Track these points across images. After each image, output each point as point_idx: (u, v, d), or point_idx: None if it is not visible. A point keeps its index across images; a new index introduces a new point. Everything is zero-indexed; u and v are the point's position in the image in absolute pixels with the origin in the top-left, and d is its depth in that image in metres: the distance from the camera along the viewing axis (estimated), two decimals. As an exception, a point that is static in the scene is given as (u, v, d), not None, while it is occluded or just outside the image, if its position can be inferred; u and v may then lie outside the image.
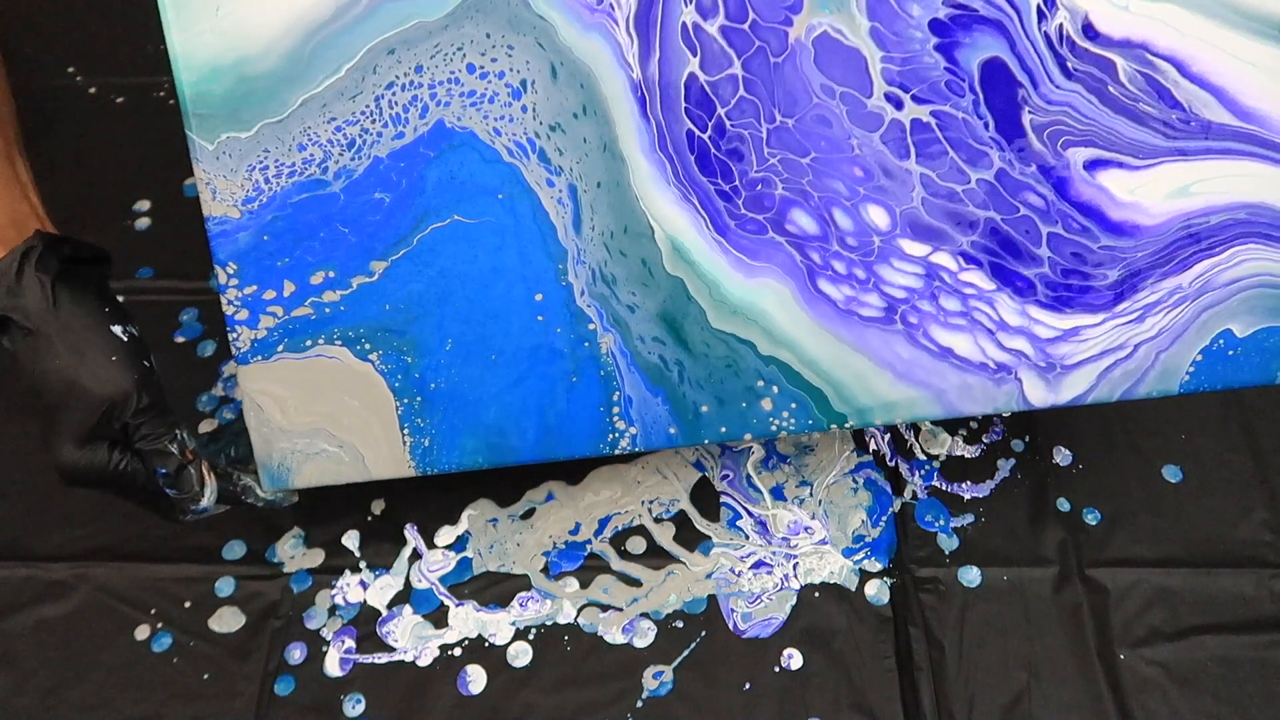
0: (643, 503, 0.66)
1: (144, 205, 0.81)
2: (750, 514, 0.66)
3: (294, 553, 0.64)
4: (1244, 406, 0.69)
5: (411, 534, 0.65)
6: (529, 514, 0.66)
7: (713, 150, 0.52)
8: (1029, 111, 0.51)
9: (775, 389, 0.54)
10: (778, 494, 0.66)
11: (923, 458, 0.68)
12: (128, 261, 0.76)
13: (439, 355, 0.54)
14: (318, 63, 0.51)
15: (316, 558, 0.64)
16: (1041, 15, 0.50)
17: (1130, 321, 0.53)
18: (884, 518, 0.66)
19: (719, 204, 0.52)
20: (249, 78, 0.51)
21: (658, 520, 0.66)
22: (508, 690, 0.59)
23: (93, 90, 0.88)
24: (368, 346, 0.54)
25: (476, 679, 0.60)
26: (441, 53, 0.51)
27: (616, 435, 0.55)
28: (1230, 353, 0.53)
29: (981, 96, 0.51)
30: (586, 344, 0.54)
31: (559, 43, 0.51)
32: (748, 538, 0.65)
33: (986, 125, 0.51)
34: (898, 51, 0.50)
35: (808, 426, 0.55)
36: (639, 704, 0.59)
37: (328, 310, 0.53)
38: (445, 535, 0.65)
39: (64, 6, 0.95)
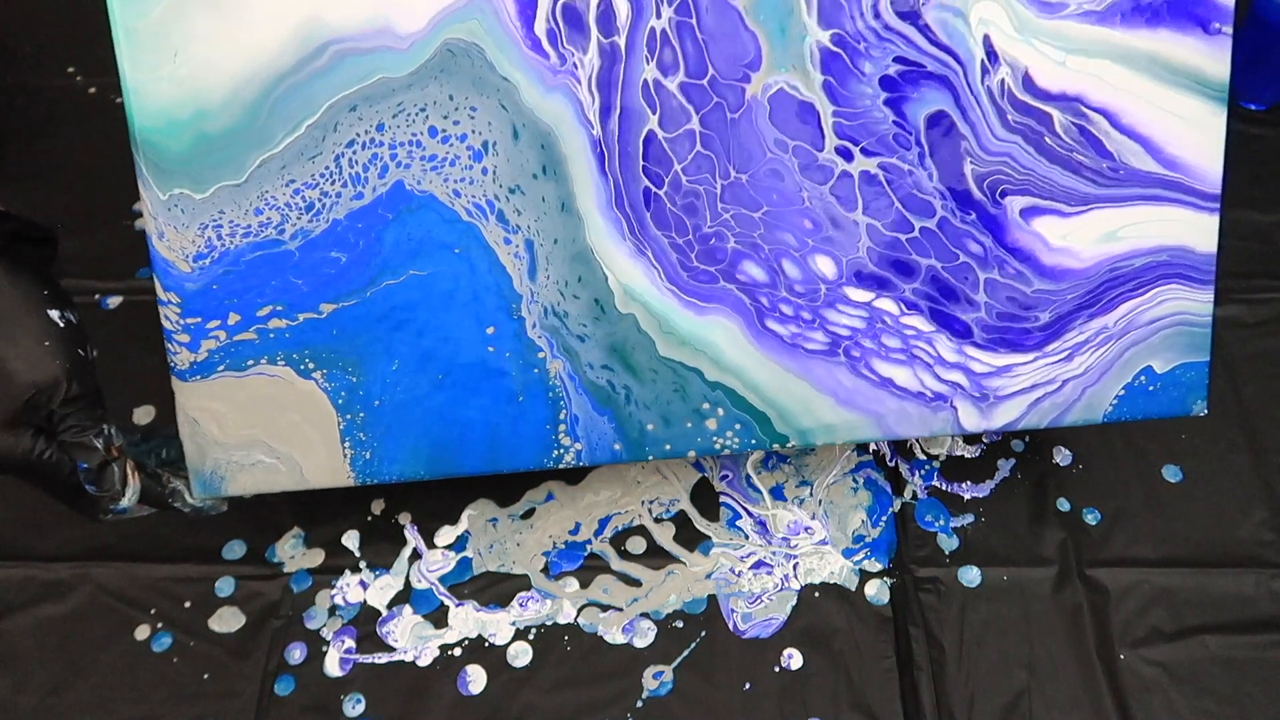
0: (643, 503, 0.66)
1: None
2: (750, 514, 0.66)
3: (294, 553, 0.64)
4: (1244, 406, 0.69)
5: (411, 534, 0.65)
6: (529, 514, 0.66)
7: (668, 205, 0.53)
8: (971, 162, 0.54)
9: (721, 411, 0.56)
10: (777, 494, 0.66)
11: (923, 458, 0.68)
12: (128, 261, 0.76)
13: (385, 374, 0.54)
14: (278, 118, 0.51)
15: (316, 558, 0.64)
16: (985, 70, 0.53)
17: (1059, 360, 0.55)
18: (884, 518, 0.66)
19: (672, 256, 0.54)
20: (208, 135, 0.51)
21: (658, 520, 0.66)
22: (508, 690, 0.59)
23: (93, 90, 0.88)
24: (311, 366, 0.54)
25: (476, 679, 0.60)
26: (404, 112, 0.52)
27: (561, 451, 0.56)
28: (1150, 388, 0.56)
29: (927, 149, 0.53)
30: (536, 370, 0.55)
31: (522, 104, 0.52)
32: (747, 538, 0.65)
33: (931, 176, 0.54)
34: (849, 106, 0.53)
35: (751, 446, 0.57)
36: (639, 704, 0.59)
37: (272, 335, 0.53)
38: (445, 535, 0.65)
39: (64, 6, 0.94)
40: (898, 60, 0.52)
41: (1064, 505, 0.66)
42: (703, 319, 0.54)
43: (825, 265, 0.54)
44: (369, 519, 0.66)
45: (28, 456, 0.47)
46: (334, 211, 0.52)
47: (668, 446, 0.56)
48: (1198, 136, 0.55)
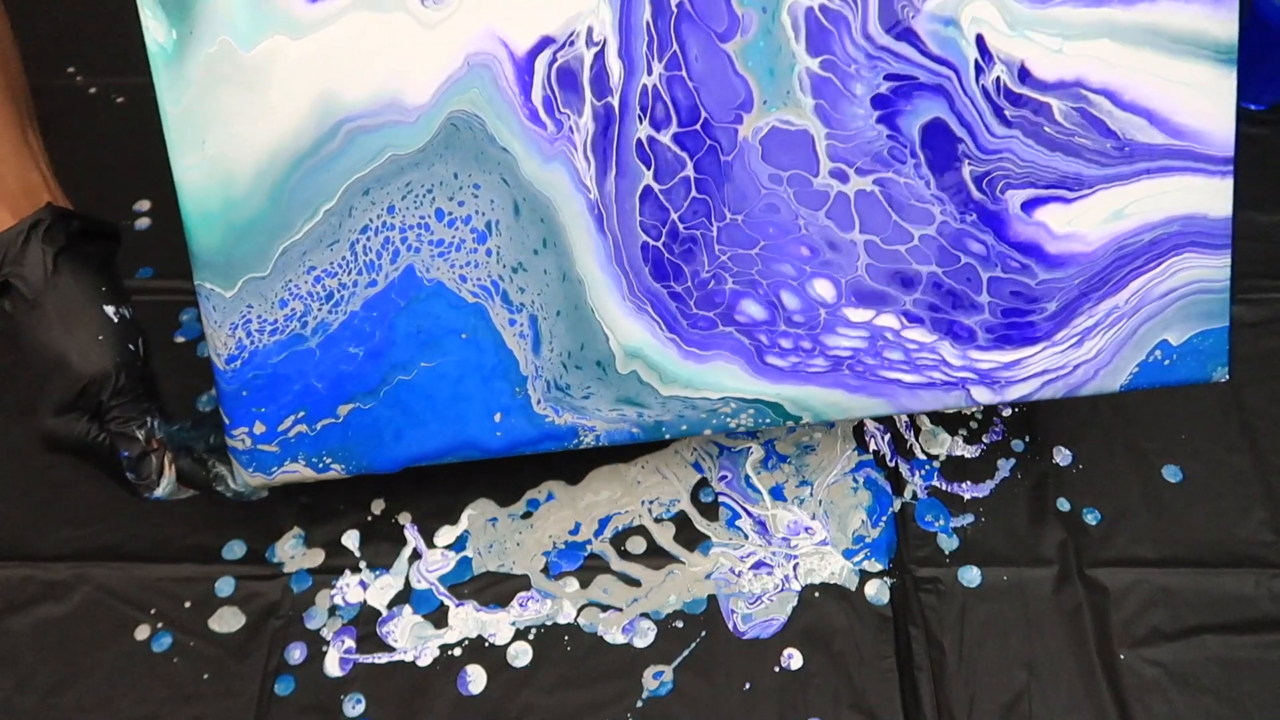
0: (643, 503, 0.66)
1: (144, 205, 0.81)
2: (749, 514, 0.66)
3: (294, 553, 0.64)
4: (1244, 406, 0.69)
5: (411, 534, 0.65)
6: (529, 514, 0.66)
7: (666, 256, 0.54)
8: (969, 164, 0.53)
9: (733, 405, 0.57)
10: (777, 494, 0.66)
11: (923, 458, 0.68)
12: (128, 261, 0.76)
13: (399, 460, 0.57)
14: (297, 204, 0.52)
15: (316, 558, 0.64)
16: (980, 70, 0.52)
17: (1070, 347, 0.55)
18: (884, 518, 0.66)
19: (671, 306, 0.55)
20: (236, 226, 0.52)
21: (658, 520, 0.66)
22: (508, 690, 0.59)
23: (93, 90, 0.88)
24: (329, 461, 0.56)
25: (476, 679, 0.60)
26: (413, 193, 0.53)
27: (580, 440, 0.57)
28: (1166, 361, 0.55)
29: (923, 158, 0.53)
30: (547, 427, 0.57)
31: (521, 177, 0.53)
32: (747, 538, 0.65)
33: (928, 184, 0.54)
34: (841, 129, 0.53)
35: (765, 424, 0.57)
36: (639, 704, 0.59)
37: (293, 441, 0.55)
38: (445, 535, 0.65)
39: (64, 6, 0.95)
40: (889, 77, 0.52)
41: (1064, 505, 0.66)
42: (704, 366, 0.55)
43: (824, 289, 0.55)
44: (369, 519, 0.66)
45: (81, 440, 0.51)
46: (352, 303, 0.54)
47: (684, 427, 0.57)
48: (1206, 102, 0.54)
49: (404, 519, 0.66)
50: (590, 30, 0.52)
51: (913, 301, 0.54)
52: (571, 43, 0.52)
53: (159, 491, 0.54)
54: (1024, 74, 0.53)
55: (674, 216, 0.53)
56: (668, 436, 0.57)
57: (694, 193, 0.53)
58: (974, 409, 0.57)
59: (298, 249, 0.52)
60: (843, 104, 0.53)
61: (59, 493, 0.66)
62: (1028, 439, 0.69)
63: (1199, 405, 0.69)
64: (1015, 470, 0.67)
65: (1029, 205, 0.54)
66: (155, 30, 0.50)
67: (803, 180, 0.53)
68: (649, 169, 0.53)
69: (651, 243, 0.54)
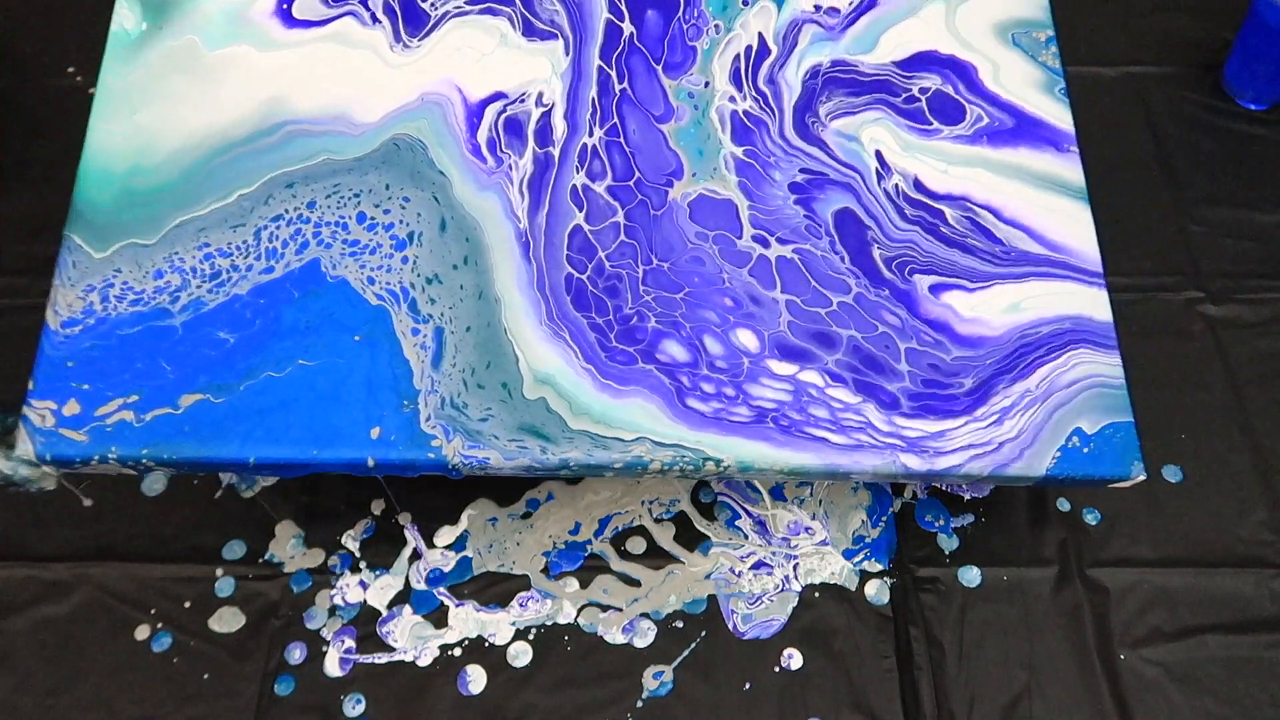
0: (643, 503, 0.66)
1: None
2: (749, 514, 0.66)
3: (294, 553, 0.64)
4: (1244, 406, 0.69)
5: (411, 534, 0.65)
6: (529, 514, 0.66)
7: (590, 289, 0.55)
8: (878, 248, 0.58)
9: (647, 447, 0.54)
10: (777, 494, 0.66)
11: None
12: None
13: (234, 452, 0.51)
14: (211, 184, 0.53)
15: (316, 558, 0.64)
16: (880, 176, 0.60)
17: (992, 424, 0.56)
18: (884, 518, 0.66)
19: (590, 337, 0.55)
20: (135, 191, 0.53)
21: (658, 520, 0.66)
22: (508, 690, 0.59)
23: (93, 90, 0.88)
24: (149, 465, 0.51)
25: (476, 679, 0.60)
26: (339, 194, 0.55)
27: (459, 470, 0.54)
28: (1085, 449, 0.57)
29: (836, 238, 0.58)
30: (430, 455, 0.52)
31: (454, 198, 0.56)
32: (747, 538, 0.65)
33: (843, 259, 0.58)
34: (763, 204, 0.58)
35: (683, 466, 0.54)
36: (639, 704, 0.59)
37: (108, 432, 0.51)
38: (445, 535, 0.65)
39: (64, 6, 0.94)
40: (804, 171, 0.59)
41: (1064, 505, 0.66)
42: (619, 401, 0.54)
43: (747, 339, 0.56)
44: (369, 519, 0.66)
45: None
46: (239, 286, 0.53)
47: (591, 463, 0.53)
48: (1071, 226, 0.61)
49: (404, 519, 0.66)
50: (540, 94, 0.58)
51: (835, 361, 0.56)
52: (522, 100, 0.57)
53: None
54: (918, 185, 0.60)
55: (601, 255, 0.56)
56: (579, 474, 0.54)
57: (623, 237, 0.56)
58: (908, 480, 0.58)
59: (195, 225, 0.53)
60: (764, 185, 0.58)
61: (59, 493, 0.66)
62: (1028, 439, 0.69)
63: (1199, 405, 0.69)
64: (1015, 470, 0.67)
65: (935, 289, 0.58)
66: (126, 19, 0.54)
67: (727, 240, 0.57)
68: (581, 211, 0.56)
69: (576, 275, 0.55)
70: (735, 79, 0.60)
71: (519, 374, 0.53)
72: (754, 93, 0.60)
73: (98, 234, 0.52)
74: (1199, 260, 0.76)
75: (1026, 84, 0.64)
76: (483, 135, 0.56)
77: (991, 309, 0.58)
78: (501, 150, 0.56)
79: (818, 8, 0.63)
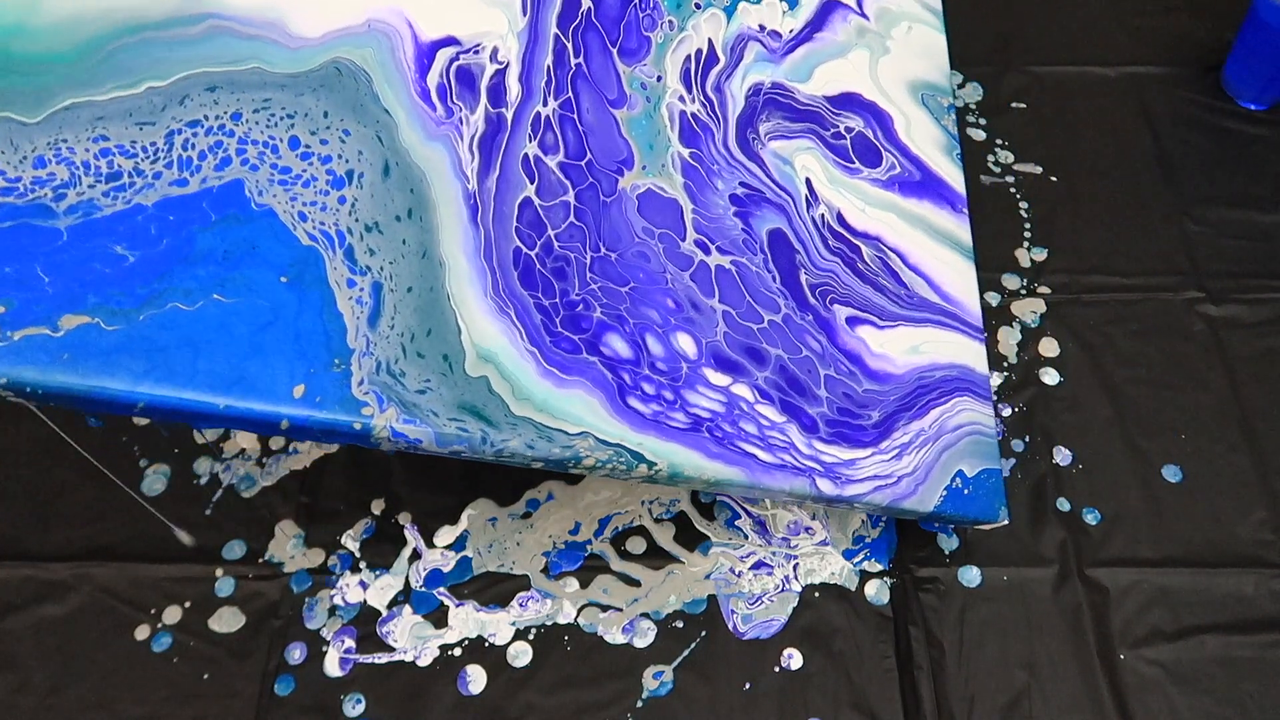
0: (643, 503, 0.66)
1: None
2: (749, 514, 0.66)
3: (294, 553, 0.64)
4: (1244, 406, 0.69)
5: (411, 534, 0.65)
6: (529, 514, 0.66)
7: (539, 267, 0.52)
8: (804, 273, 0.60)
9: (589, 443, 0.51)
10: (778, 494, 0.66)
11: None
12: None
13: (117, 391, 0.43)
14: (114, 67, 0.45)
15: (316, 558, 0.64)
16: (809, 203, 0.62)
17: (892, 458, 0.59)
18: (884, 518, 0.65)
19: (536, 318, 0.51)
20: (14, 56, 0.44)
21: (658, 520, 0.66)
22: (508, 690, 0.59)
23: None
24: (8, 394, 0.42)
25: (476, 679, 0.60)
26: (269, 110, 0.48)
27: (380, 442, 0.49)
28: (965, 491, 0.59)
29: (769, 256, 0.60)
30: (356, 425, 0.46)
31: (399, 143, 0.50)
32: (747, 538, 0.65)
33: (774, 278, 0.59)
34: (705, 210, 0.59)
35: (618, 466, 0.52)
36: (639, 704, 0.59)
37: None
38: (445, 535, 0.65)
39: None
40: (743, 184, 0.60)
41: (1064, 505, 0.66)
42: (562, 390, 0.51)
43: (686, 344, 0.56)
44: (369, 519, 0.66)
45: None
46: (143, 195, 0.44)
47: (530, 453, 0.50)
48: (960, 281, 0.65)
49: (404, 519, 0.66)
50: (495, 51, 0.54)
51: (764, 379, 0.57)
52: (476, 51, 0.54)
53: None
54: (840, 218, 0.63)
55: (550, 233, 0.53)
56: (508, 463, 0.50)
57: (572, 218, 0.54)
58: (816, 503, 0.60)
59: (91, 111, 0.44)
60: (707, 191, 0.59)
61: (59, 493, 0.66)
62: (1028, 439, 0.69)
63: (1199, 405, 0.69)
64: (1015, 470, 0.67)
65: (851, 321, 0.61)
66: None
67: (671, 240, 0.57)
68: (532, 183, 0.53)
69: (525, 250, 0.52)
70: (685, 79, 0.61)
71: (461, 348, 0.49)
72: (702, 97, 0.61)
73: None
74: (1199, 260, 0.76)
75: (931, 143, 0.69)
76: (432, 80, 0.51)
77: (896, 347, 0.61)
78: (452, 100, 0.52)
79: (762, 28, 0.65)
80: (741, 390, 0.56)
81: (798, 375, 0.58)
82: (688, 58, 0.61)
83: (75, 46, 0.45)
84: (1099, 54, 0.86)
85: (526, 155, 0.54)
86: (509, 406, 0.49)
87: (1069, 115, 0.84)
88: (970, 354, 0.63)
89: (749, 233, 0.59)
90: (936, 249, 0.66)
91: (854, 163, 0.65)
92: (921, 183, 0.67)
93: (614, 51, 0.59)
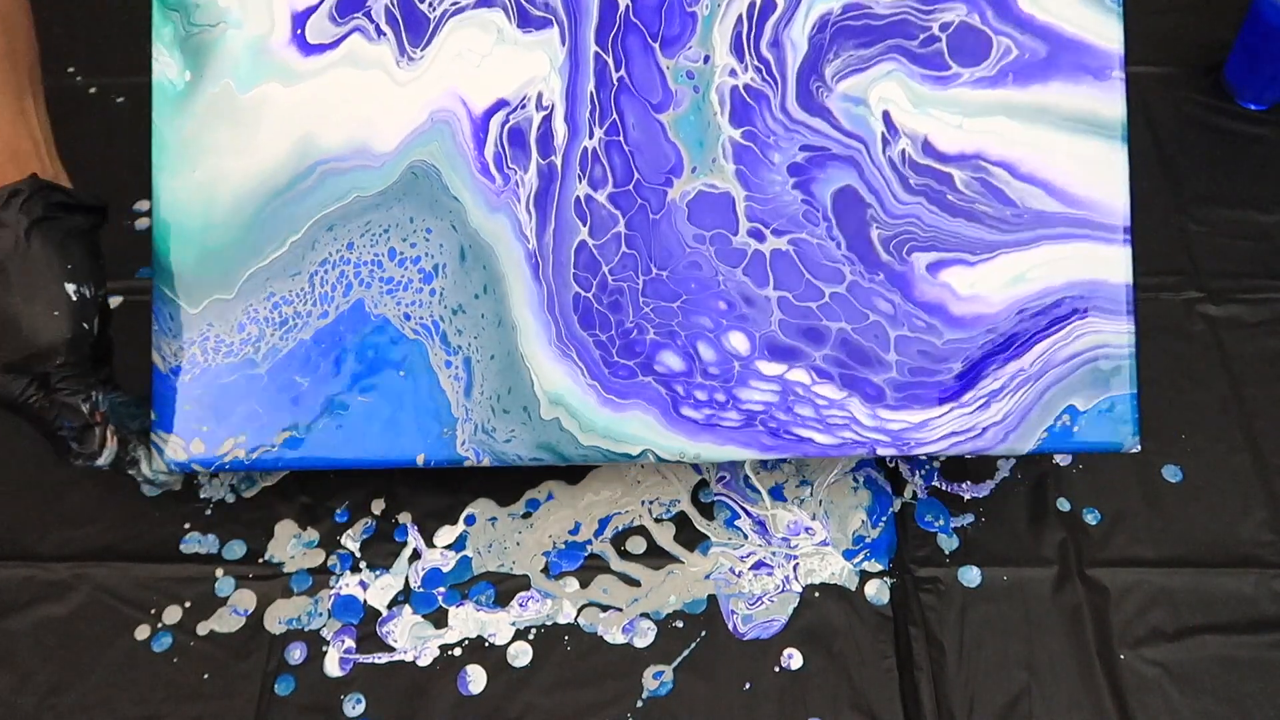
0: (643, 503, 0.66)
1: (144, 205, 0.81)
2: (748, 514, 0.66)
3: (294, 553, 0.64)
4: (1244, 406, 0.69)
5: (412, 534, 0.65)
6: (529, 514, 0.66)
7: (595, 306, 0.57)
8: (877, 227, 0.57)
9: (651, 459, 0.58)
10: (777, 494, 0.66)
11: (923, 458, 0.68)
12: (128, 261, 0.76)
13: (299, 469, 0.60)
14: (268, 233, 0.57)
15: (316, 558, 0.64)
16: (886, 142, 0.57)
17: (977, 409, 0.56)
18: (884, 518, 0.66)
19: (595, 354, 0.57)
20: (210, 248, 0.57)
21: (658, 520, 0.66)
22: (508, 690, 0.59)
23: (93, 90, 0.88)
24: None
25: (476, 679, 0.60)
26: (371, 231, 0.57)
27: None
28: (1076, 427, 0.56)
29: (834, 221, 0.57)
30: (464, 464, 0.58)
31: (469, 225, 0.57)
32: (747, 538, 0.65)
33: (839, 245, 0.57)
34: (760, 192, 0.57)
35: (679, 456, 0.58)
36: (639, 704, 0.59)
37: (226, 463, 0.58)
38: (445, 535, 0.65)
39: (64, 6, 0.94)
40: (804, 148, 0.57)
41: (1064, 505, 0.66)
42: (620, 415, 0.57)
43: (739, 342, 0.57)
44: (369, 519, 0.66)
45: (14, 399, 0.53)
46: (303, 331, 0.57)
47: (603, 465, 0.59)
48: (1098, 174, 0.57)
49: (404, 519, 0.66)
50: (540, 96, 0.57)
51: (822, 357, 0.56)
52: (523, 105, 0.57)
53: (100, 461, 0.56)
54: (927, 147, 0.57)
55: (605, 269, 0.57)
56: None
57: (624, 248, 0.57)
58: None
59: (262, 275, 0.57)
60: (761, 170, 0.57)
61: (59, 493, 0.66)
62: (1028, 439, 0.69)
63: (1199, 405, 0.69)
64: (1015, 470, 0.67)
65: (934, 267, 0.57)
66: (169, 69, 0.56)
67: (723, 239, 0.57)
68: (585, 225, 0.57)
69: (582, 294, 0.57)
70: (736, 47, 0.57)
71: (535, 397, 0.57)
72: (756, 61, 0.57)
73: (186, 290, 0.57)
74: (1199, 260, 0.76)
75: None
76: (489, 152, 0.57)
77: (992, 283, 0.57)
78: (508, 166, 0.57)
79: None
80: (797, 375, 0.56)
81: (861, 345, 0.56)
82: (739, 19, 0.57)
83: (241, 226, 0.57)
84: (1099, 54, 0.86)
85: (578, 198, 0.57)
86: (578, 439, 0.57)
87: (1069, 115, 0.84)
88: (1102, 263, 0.56)
89: (810, 202, 0.57)
90: (1064, 141, 0.57)
91: (950, 68, 0.57)
92: (1047, 60, 0.57)
93: (655, 47, 0.57)
